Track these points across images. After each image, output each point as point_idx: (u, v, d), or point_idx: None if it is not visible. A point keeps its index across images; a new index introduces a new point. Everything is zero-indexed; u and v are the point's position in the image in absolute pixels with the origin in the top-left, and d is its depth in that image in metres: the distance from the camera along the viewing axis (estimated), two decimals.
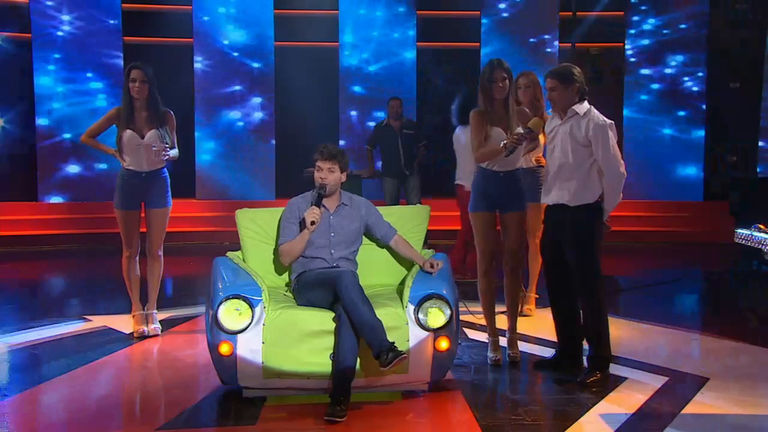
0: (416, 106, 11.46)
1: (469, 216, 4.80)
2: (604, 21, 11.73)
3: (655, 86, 11.40)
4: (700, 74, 11.30)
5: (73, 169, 10.98)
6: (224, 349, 3.86)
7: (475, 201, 4.76)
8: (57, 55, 10.95)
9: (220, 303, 3.86)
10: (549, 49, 11.46)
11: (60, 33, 10.93)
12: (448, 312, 3.95)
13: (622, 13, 11.54)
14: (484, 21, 11.53)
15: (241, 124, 11.42)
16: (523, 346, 5.07)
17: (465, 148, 6.20)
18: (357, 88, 11.48)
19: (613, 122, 4.40)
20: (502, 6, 11.53)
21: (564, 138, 4.43)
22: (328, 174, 4.34)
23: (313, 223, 4.24)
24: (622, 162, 4.37)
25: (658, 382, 4.37)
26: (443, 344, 3.96)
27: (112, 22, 11.08)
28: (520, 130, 4.59)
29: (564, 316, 4.59)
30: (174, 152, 5.35)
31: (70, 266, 9.11)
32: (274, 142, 11.47)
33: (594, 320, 4.39)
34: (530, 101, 5.61)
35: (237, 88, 11.37)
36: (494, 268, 4.77)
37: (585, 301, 4.41)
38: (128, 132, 5.26)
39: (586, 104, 4.43)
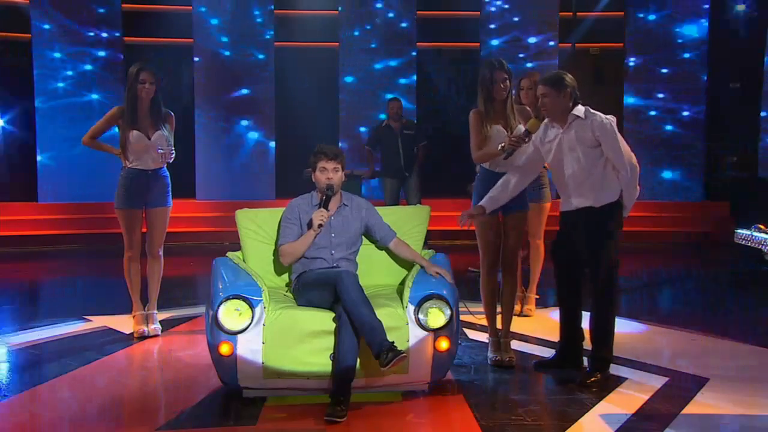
0: (416, 106, 11.47)
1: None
2: (604, 21, 11.74)
3: (655, 86, 11.40)
4: (701, 74, 11.30)
5: (72, 169, 10.97)
6: (224, 349, 3.86)
7: (478, 202, 4.75)
8: (57, 55, 10.95)
9: (220, 303, 3.85)
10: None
11: (60, 32, 10.94)
12: (448, 312, 3.95)
13: (622, 13, 11.54)
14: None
15: (242, 123, 11.43)
16: (523, 346, 5.08)
17: None
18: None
19: (613, 117, 4.38)
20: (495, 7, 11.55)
21: (572, 144, 4.37)
22: (334, 174, 4.34)
23: (320, 225, 4.24)
24: (632, 154, 4.35)
25: (658, 382, 4.37)
26: (443, 344, 3.96)
27: (111, 22, 11.09)
28: (521, 128, 4.58)
29: (570, 317, 4.57)
30: (173, 154, 5.37)
31: (70, 266, 9.11)
32: (274, 142, 11.48)
33: (603, 321, 4.36)
34: (532, 103, 5.59)
35: (243, 90, 11.39)
36: (497, 269, 4.77)
37: (597, 301, 4.37)
38: (135, 133, 5.26)
39: (581, 106, 4.41)
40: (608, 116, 4.37)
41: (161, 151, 5.26)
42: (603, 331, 4.37)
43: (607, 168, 4.34)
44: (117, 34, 11.16)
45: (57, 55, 10.95)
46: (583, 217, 4.39)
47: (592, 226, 4.35)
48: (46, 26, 10.92)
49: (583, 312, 4.57)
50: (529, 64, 11.21)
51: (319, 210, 4.28)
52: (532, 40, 11.46)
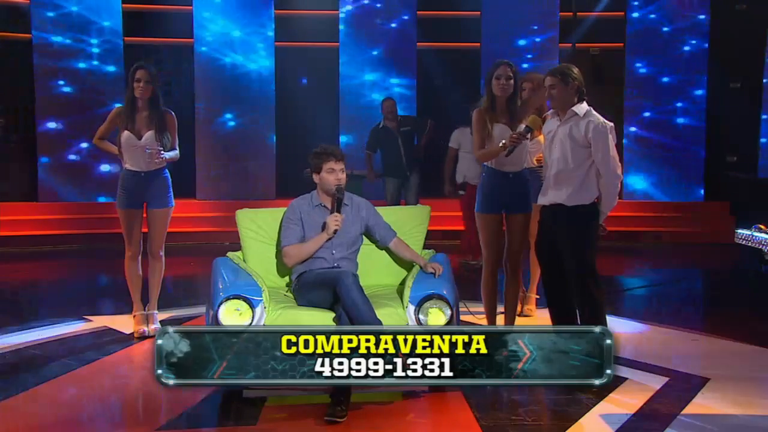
0: (416, 105, 11.46)
1: (476, 217, 4.79)
2: (604, 21, 11.73)
3: (655, 86, 11.39)
4: (701, 74, 11.30)
5: (73, 169, 10.97)
6: None
7: (483, 202, 4.75)
8: (57, 54, 10.95)
9: (221, 303, 3.85)
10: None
11: (60, 32, 10.93)
12: (449, 312, 3.95)
13: (623, 13, 11.53)
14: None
15: (241, 124, 11.42)
16: None
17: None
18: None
19: (612, 125, 4.42)
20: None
21: (563, 139, 4.43)
22: (341, 174, 4.36)
23: (335, 231, 4.24)
24: (619, 164, 4.40)
25: (658, 382, 4.37)
26: None
27: (111, 22, 11.08)
28: (522, 128, 4.60)
29: (562, 317, 4.58)
30: (172, 153, 5.35)
31: (70, 266, 9.10)
32: (274, 141, 11.47)
33: (593, 321, 4.37)
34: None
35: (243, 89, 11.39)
36: (500, 269, 4.77)
37: (583, 302, 4.41)
38: (126, 133, 5.26)
39: (585, 105, 4.45)
40: (608, 121, 4.39)
41: (149, 150, 5.24)
42: None
43: (591, 171, 4.39)
44: (117, 34, 11.14)
45: (57, 54, 10.94)
46: (556, 215, 4.44)
47: (571, 227, 4.40)
48: (46, 26, 10.90)
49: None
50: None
51: (333, 215, 4.28)
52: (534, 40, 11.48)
